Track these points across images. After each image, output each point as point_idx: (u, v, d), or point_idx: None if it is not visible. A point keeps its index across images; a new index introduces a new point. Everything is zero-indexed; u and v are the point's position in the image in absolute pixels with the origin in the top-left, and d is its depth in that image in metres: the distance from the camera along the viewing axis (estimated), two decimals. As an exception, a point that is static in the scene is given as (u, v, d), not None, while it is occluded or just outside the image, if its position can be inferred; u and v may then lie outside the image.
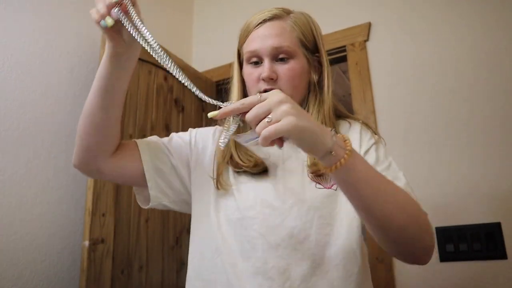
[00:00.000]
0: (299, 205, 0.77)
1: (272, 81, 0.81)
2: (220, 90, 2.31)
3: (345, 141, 0.60)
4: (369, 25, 1.88)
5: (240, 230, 0.78)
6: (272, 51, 0.82)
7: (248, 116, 0.57)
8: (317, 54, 0.88)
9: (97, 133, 0.79)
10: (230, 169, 0.85)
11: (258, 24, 0.84)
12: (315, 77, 0.87)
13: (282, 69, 0.82)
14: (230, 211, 0.81)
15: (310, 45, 0.86)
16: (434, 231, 0.71)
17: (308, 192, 0.78)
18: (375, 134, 0.89)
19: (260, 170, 0.82)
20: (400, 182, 0.78)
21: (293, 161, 0.84)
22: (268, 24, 0.84)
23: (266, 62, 0.82)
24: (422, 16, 1.78)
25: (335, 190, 0.78)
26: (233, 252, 0.77)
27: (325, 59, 0.87)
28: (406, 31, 1.80)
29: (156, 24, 2.13)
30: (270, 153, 0.85)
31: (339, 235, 0.76)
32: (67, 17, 1.61)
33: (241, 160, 0.82)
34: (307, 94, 0.87)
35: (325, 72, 0.87)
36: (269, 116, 0.55)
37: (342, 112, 0.94)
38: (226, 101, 0.67)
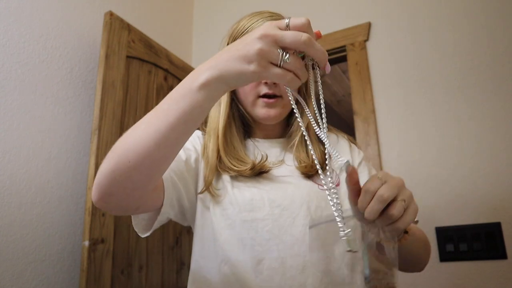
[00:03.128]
0: (306, 204, 0.79)
1: (275, 85, 0.81)
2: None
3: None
4: (369, 25, 1.88)
5: (249, 233, 0.76)
6: None
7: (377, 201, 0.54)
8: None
9: (156, 172, 0.63)
10: (224, 175, 0.83)
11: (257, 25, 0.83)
12: (304, 87, 0.88)
13: None
14: (233, 214, 0.78)
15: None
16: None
17: (312, 193, 0.80)
18: (359, 147, 0.98)
19: (257, 172, 0.82)
20: None
21: (290, 163, 0.86)
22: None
23: None
24: (422, 16, 1.78)
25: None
26: (243, 258, 0.75)
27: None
28: (406, 31, 1.80)
29: (156, 23, 2.13)
30: (263, 155, 0.85)
31: None
32: (67, 17, 1.61)
33: (232, 164, 0.81)
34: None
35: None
36: (403, 199, 0.55)
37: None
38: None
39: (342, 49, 1.92)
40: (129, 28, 1.68)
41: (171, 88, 1.90)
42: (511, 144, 1.50)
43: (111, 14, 1.61)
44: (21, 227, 1.31)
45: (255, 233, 0.76)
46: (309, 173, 0.83)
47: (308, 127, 0.85)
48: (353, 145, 0.94)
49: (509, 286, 1.38)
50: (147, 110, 1.73)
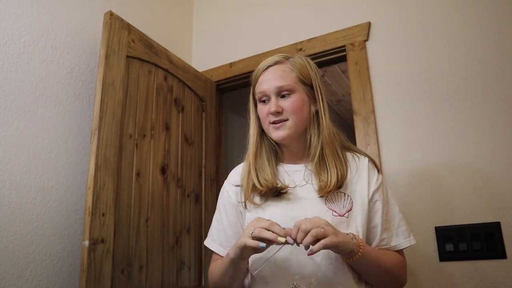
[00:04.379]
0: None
1: (278, 114, 1.02)
2: (220, 90, 2.31)
3: (359, 242, 0.90)
4: (368, 25, 1.88)
5: (270, 251, 0.93)
6: (276, 90, 1.03)
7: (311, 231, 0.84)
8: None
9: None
10: (256, 197, 1.05)
11: (264, 70, 1.07)
12: (313, 108, 1.06)
13: (286, 103, 1.03)
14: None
15: (308, 81, 1.06)
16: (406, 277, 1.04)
17: (328, 219, 0.92)
18: (379, 171, 1.09)
19: (278, 192, 1.02)
20: (395, 218, 1.05)
21: (307, 189, 1.03)
22: (271, 69, 1.06)
23: (273, 99, 1.03)
24: (422, 16, 1.78)
25: (347, 217, 0.98)
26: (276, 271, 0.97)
27: (320, 95, 1.06)
28: (406, 31, 1.80)
29: (156, 23, 2.13)
30: (285, 181, 1.05)
31: None
32: (67, 16, 1.62)
33: (259, 183, 1.02)
34: (310, 122, 1.06)
35: (321, 105, 1.05)
36: (322, 228, 0.84)
37: (348, 145, 1.12)
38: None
39: (342, 49, 1.92)
40: (129, 28, 1.68)
41: (171, 88, 1.90)
42: (510, 144, 1.50)
43: (111, 14, 1.61)
44: (21, 227, 1.31)
45: (281, 251, 0.94)
46: (323, 195, 1.00)
47: (324, 144, 1.03)
48: (371, 169, 1.06)
49: (509, 285, 1.39)
50: (147, 110, 1.73)
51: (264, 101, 1.06)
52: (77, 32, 1.65)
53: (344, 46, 1.91)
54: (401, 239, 1.02)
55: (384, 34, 1.84)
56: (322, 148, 1.03)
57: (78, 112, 1.59)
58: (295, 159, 1.09)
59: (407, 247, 1.02)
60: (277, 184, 1.02)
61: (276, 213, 1.00)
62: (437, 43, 1.71)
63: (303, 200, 1.02)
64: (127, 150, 1.59)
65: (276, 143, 1.10)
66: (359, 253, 0.89)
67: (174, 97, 1.92)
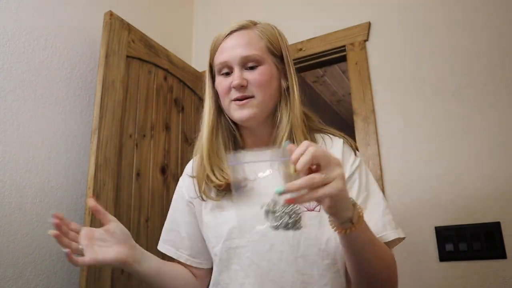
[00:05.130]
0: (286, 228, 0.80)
1: (243, 88, 0.84)
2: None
3: (359, 211, 0.67)
4: (368, 25, 1.88)
5: (235, 258, 0.82)
6: (241, 60, 0.85)
7: (300, 164, 0.58)
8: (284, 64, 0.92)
9: None
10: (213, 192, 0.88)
11: (226, 36, 0.88)
12: (284, 84, 0.90)
13: (252, 75, 0.85)
14: (221, 242, 0.84)
15: (278, 53, 0.90)
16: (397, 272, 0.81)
17: None
18: (356, 150, 0.91)
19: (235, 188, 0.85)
20: (380, 206, 0.84)
21: (271, 180, 0.85)
22: (235, 34, 0.87)
23: (236, 71, 0.85)
24: (421, 16, 1.78)
25: (319, 211, 0.80)
26: (230, 281, 0.83)
27: (291, 70, 0.90)
28: (406, 31, 1.80)
29: (156, 23, 2.13)
30: (245, 172, 0.87)
31: (326, 255, 0.80)
32: (67, 16, 1.62)
33: (216, 177, 0.85)
34: (279, 100, 0.90)
35: (293, 81, 0.89)
36: (323, 175, 0.58)
37: (322, 127, 0.95)
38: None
39: (342, 49, 1.92)
40: (129, 28, 1.68)
41: (171, 88, 1.90)
42: (510, 143, 1.50)
43: (111, 14, 1.61)
44: (21, 227, 1.31)
45: (238, 259, 0.82)
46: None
47: (294, 127, 0.86)
48: (347, 151, 0.89)
49: (509, 286, 1.39)
50: (147, 110, 1.73)
51: (225, 74, 0.87)
52: (77, 32, 1.65)
53: (344, 46, 1.91)
54: (388, 230, 0.81)
55: (384, 34, 1.84)
56: (291, 130, 0.85)
57: (78, 112, 1.59)
58: (258, 144, 0.90)
59: (395, 240, 0.82)
60: (235, 178, 0.85)
61: (231, 215, 0.84)
62: (437, 43, 1.71)
63: (263, 196, 0.84)
64: (127, 150, 1.59)
65: (235, 125, 0.92)
66: (356, 226, 0.66)
67: (174, 97, 1.92)
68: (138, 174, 1.62)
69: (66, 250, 0.74)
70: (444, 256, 1.50)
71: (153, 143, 1.73)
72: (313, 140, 0.89)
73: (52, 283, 1.37)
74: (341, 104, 4.08)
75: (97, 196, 1.41)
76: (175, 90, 1.93)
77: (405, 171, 1.64)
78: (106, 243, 0.79)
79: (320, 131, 0.93)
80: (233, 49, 0.85)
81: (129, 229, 1.51)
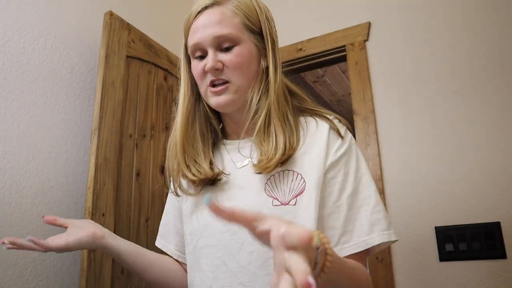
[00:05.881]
0: None
1: (218, 71, 0.76)
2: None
3: (325, 243, 0.51)
4: (368, 25, 1.88)
5: (205, 258, 0.77)
6: (215, 40, 0.76)
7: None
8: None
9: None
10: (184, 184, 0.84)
11: (198, 13, 0.78)
12: (264, 64, 0.80)
13: (227, 57, 0.76)
14: (195, 239, 0.80)
15: (257, 28, 0.79)
16: None
17: (265, 211, 0.69)
18: (348, 132, 0.80)
19: (211, 181, 0.79)
20: (370, 201, 0.73)
21: (246, 172, 0.78)
22: (207, 11, 0.77)
23: (210, 53, 0.76)
24: (421, 16, 1.78)
25: (294, 205, 0.72)
26: (200, 284, 0.78)
27: (271, 46, 0.79)
28: (406, 31, 1.80)
29: (156, 23, 2.13)
30: (224, 162, 0.82)
31: None
32: (67, 16, 1.61)
33: (189, 170, 0.80)
34: (258, 84, 0.80)
35: (271, 59, 0.79)
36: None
37: (308, 104, 0.84)
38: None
39: (342, 49, 1.92)
40: (129, 28, 1.68)
41: (171, 88, 1.90)
42: (510, 143, 1.50)
43: (111, 14, 1.61)
44: (21, 227, 1.31)
45: (207, 259, 0.76)
46: (261, 171, 0.73)
47: (271, 111, 0.76)
48: (333, 135, 0.77)
49: (509, 286, 1.39)
50: (147, 110, 1.73)
51: (199, 58, 0.79)
52: (77, 32, 1.65)
53: (344, 46, 1.91)
54: (375, 232, 0.70)
55: (384, 34, 1.84)
56: (268, 113, 0.76)
57: (78, 112, 1.58)
58: (239, 132, 0.82)
59: (380, 245, 0.70)
60: (212, 172, 0.78)
61: (204, 212, 0.79)
62: (437, 43, 1.71)
63: (238, 190, 0.77)
64: (127, 150, 1.59)
65: (216, 112, 0.85)
66: (326, 265, 0.50)
67: (174, 97, 1.91)
68: (138, 174, 1.62)
69: (29, 237, 0.74)
70: (444, 256, 1.50)
71: (153, 143, 1.73)
72: (296, 123, 0.79)
73: (52, 283, 1.37)
74: (341, 104, 4.08)
75: (97, 196, 1.41)
76: (175, 90, 1.93)
77: (405, 171, 1.64)
78: (72, 231, 0.82)
79: (307, 112, 0.83)
80: (205, 29, 0.76)
81: (129, 229, 1.52)
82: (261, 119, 0.76)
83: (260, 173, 0.74)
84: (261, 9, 0.81)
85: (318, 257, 0.50)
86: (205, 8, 0.77)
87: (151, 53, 1.80)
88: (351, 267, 0.63)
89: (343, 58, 1.95)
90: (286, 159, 0.73)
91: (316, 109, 0.83)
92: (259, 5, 0.81)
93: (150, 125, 1.74)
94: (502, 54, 1.58)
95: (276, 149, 0.73)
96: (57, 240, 0.78)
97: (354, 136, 1.74)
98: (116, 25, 1.62)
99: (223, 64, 0.76)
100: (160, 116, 1.80)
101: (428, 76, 1.70)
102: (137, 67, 1.72)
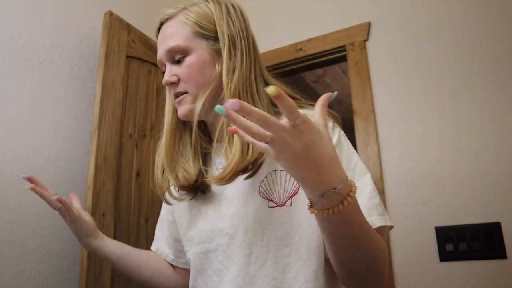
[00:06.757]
0: (253, 229, 0.73)
1: (174, 85, 0.77)
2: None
3: (351, 183, 0.53)
4: (369, 25, 1.88)
5: (209, 263, 0.78)
6: (167, 54, 0.77)
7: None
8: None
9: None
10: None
11: (158, 31, 0.82)
12: (218, 68, 0.77)
13: (179, 70, 0.77)
14: (193, 244, 0.81)
15: (212, 32, 0.77)
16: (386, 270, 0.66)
17: (261, 214, 0.73)
18: (336, 125, 0.78)
19: (199, 189, 0.79)
20: (367, 188, 0.71)
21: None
22: (163, 27, 0.80)
23: (167, 68, 0.78)
24: (422, 15, 1.78)
25: (290, 206, 0.71)
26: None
27: (225, 45, 0.75)
28: (406, 31, 1.80)
29: (156, 23, 2.13)
30: (213, 169, 0.80)
31: (298, 256, 0.71)
32: (67, 17, 1.61)
33: (176, 177, 0.78)
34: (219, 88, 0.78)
35: (223, 59, 0.75)
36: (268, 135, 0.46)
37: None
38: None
39: (342, 49, 1.92)
40: (129, 28, 1.68)
41: (171, 88, 1.90)
42: (510, 143, 1.50)
43: (111, 14, 1.61)
44: (21, 227, 1.31)
45: (211, 264, 0.77)
46: (220, 184, 0.72)
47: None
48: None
49: (509, 286, 1.39)
50: (147, 110, 1.73)
51: (163, 73, 0.81)
52: (77, 32, 1.65)
53: (344, 46, 1.91)
54: (373, 215, 0.68)
55: (384, 34, 1.84)
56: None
57: (78, 112, 1.58)
58: (219, 136, 0.79)
59: (380, 228, 0.68)
60: (196, 177, 0.77)
61: (198, 218, 0.80)
62: (438, 42, 1.71)
63: (231, 193, 0.76)
64: (127, 150, 1.59)
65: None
66: (345, 201, 0.51)
67: (174, 97, 1.91)
68: (138, 174, 1.62)
69: (56, 196, 0.85)
70: (444, 256, 1.50)
71: (153, 143, 1.73)
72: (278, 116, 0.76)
73: (52, 283, 1.36)
74: (341, 104, 4.08)
75: (97, 196, 1.41)
76: (175, 90, 1.93)
77: (405, 171, 1.64)
78: (84, 213, 0.94)
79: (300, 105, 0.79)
80: (161, 44, 0.79)
81: (129, 229, 1.52)
82: (220, 122, 0.75)
83: (241, 175, 0.71)
84: (222, 12, 0.78)
85: (343, 189, 0.50)
86: (162, 24, 0.81)
87: (151, 53, 1.80)
88: (369, 226, 0.61)
89: (343, 58, 1.95)
90: (249, 164, 0.69)
91: (299, 102, 0.80)
92: (220, 8, 0.78)
93: (150, 125, 1.74)
94: (502, 54, 1.58)
95: (234, 155, 0.70)
96: (73, 209, 0.89)
97: (354, 136, 1.75)
98: (116, 25, 1.62)
99: (178, 77, 0.77)
100: (160, 116, 1.80)
101: (428, 76, 1.70)
102: (137, 67, 1.72)
